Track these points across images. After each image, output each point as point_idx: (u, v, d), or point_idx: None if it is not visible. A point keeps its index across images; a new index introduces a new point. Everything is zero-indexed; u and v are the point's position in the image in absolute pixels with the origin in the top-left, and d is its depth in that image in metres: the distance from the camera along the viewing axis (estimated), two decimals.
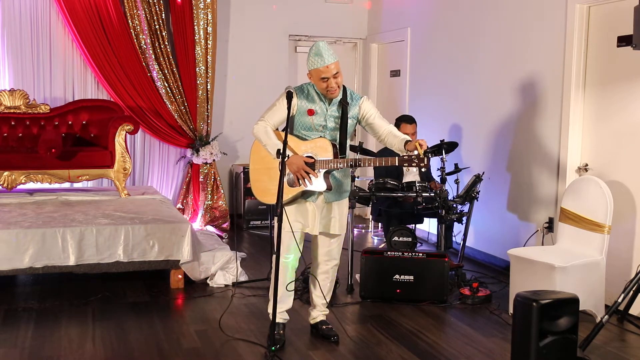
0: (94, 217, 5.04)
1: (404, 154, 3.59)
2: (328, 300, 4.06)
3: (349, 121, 3.80)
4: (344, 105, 3.75)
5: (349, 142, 3.87)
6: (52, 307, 4.50)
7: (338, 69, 3.66)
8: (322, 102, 3.77)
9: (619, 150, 4.58)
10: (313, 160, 3.66)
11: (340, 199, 3.89)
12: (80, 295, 4.73)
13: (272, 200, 3.71)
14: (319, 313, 4.05)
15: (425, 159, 3.50)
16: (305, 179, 3.65)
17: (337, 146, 3.74)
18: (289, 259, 3.81)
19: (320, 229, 3.84)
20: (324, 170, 3.69)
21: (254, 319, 4.32)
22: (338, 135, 3.78)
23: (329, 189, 3.73)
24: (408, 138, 3.68)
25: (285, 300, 3.91)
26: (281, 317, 3.93)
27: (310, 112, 3.74)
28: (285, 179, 3.67)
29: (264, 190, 3.84)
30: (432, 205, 5.10)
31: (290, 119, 3.71)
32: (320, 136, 3.75)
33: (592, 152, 4.83)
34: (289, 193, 3.73)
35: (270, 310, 3.87)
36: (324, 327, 4.01)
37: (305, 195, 3.77)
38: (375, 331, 4.13)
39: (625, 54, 4.43)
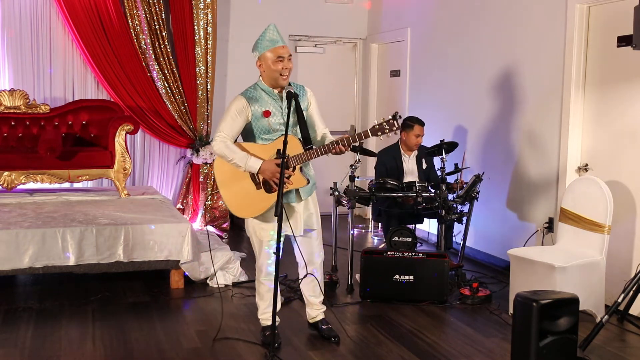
0: (94, 217, 5.04)
1: (376, 124, 3.56)
2: (323, 296, 4.04)
3: (304, 112, 3.74)
4: (295, 97, 3.67)
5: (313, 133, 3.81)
6: (52, 307, 4.50)
7: (290, 53, 3.69)
8: (274, 100, 3.71)
9: (619, 150, 4.58)
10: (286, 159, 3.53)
11: (312, 192, 3.87)
12: (80, 295, 4.74)
13: (252, 213, 3.69)
14: (318, 312, 4.04)
15: (395, 122, 3.51)
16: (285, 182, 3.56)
17: (302, 139, 3.66)
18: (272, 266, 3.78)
19: (303, 227, 3.80)
20: (299, 165, 3.64)
21: (254, 319, 4.31)
22: (299, 130, 3.69)
23: (308, 182, 3.71)
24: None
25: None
26: (269, 320, 3.88)
27: (267, 114, 3.67)
28: (260, 188, 3.65)
29: (242, 206, 3.74)
30: (432, 205, 5.10)
31: (245, 128, 3.67)
32: (281, 135, 3.64)
33: (592, 152, 4.83)
34: (270, 199, 3.64)
35: (260, 316, 3.93)
36: (324, 327, 4.01)
37: (285, 198, 3.67)
38: (375, 331, 4.13)
39: (625, 54, 4.43)
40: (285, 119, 3.63)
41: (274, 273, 3.48)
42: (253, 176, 3.71)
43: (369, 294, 4.73)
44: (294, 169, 3.63)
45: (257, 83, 3.78)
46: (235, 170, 3.67)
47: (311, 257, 3.93)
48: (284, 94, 3.68)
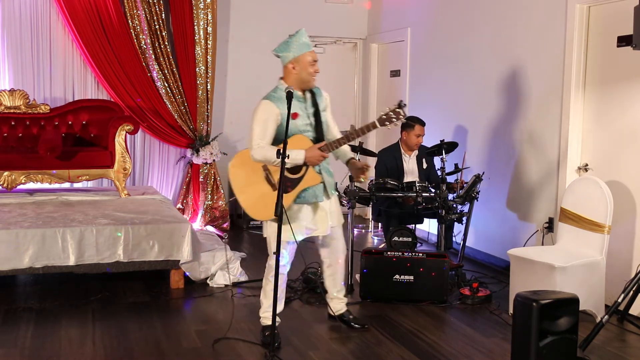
0: (94, 217, 5.03)
1: (382, 114, 3.66)
2: (345, 289, 4.23)
3: (322, 113, 3.86)
4: (314, 99, 3.81)
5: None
6: (52, 307, 4.50)
7: None
8: (299, 102, 3.79)
9: (619, 150, 4.58)
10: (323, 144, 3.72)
11: (335, 190, 4.00)
12: (80, 295, 4.73)
13: (271, 215, 3.68)
14: (342, 304, 4.17)
15: (401, 110, 3.59)
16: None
17: (316, 139, 3.79)
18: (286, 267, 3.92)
19: (331, 226, 3.92)
20: (312, 165, 3.78)
21: (254, 318, 4.32)
22: (315, 129, 3.81)
23: (321, 181, 3.82)
24: (353, 156, 3.95)
25: (282, 301, 4.02)
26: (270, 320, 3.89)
27: (295, 116, 3.73)
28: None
29: (260, 209, 3.80)
30: (432, 205, 5.10)
31: (274, 132, 3.74)
32: (297, 134, 3.75)
33: (592, 152, 4.83)
34: (287, 199, 3.70)
35: (262, 314, 3.96)
36: (352, 316, 4.16)
37: (310, 198, 3.80)
38: (375, 331, 4.13)
39: (625, 54, 4.43)
40: (309, 119, 3.80)
41: (285, 274, 3.73)
42: (268, 179, 3.79)
43: (369, 294, 4.72)
44: (307, 167, 3.74)
45: (279, 87, 3.83)
46: (250, 175, 3.74)
47: (337, 253, 4.06)
48: (308, 95, 3.81)
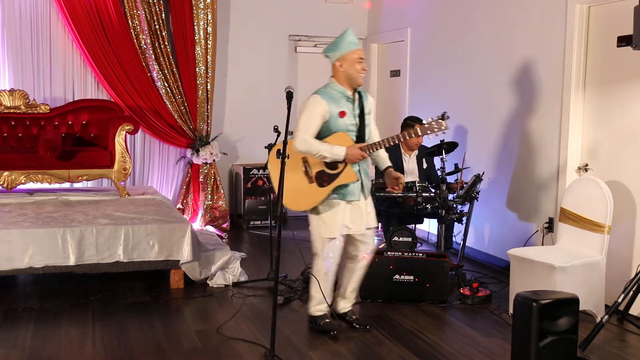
0: (94, 217, 5.04)
1: (425, 123, 3.81)
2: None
3: (367, 116, 3.98)
4: (361, 100, 3.93)
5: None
6: (52, 307, 4.50)
7: None
8: (347, 101, 3.89)
9: (619, 150, 4.58)
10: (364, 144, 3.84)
11: (370, 193, 4.10)
12: (80, 295, 4.73)
13: (306, 206, 3.92)
14: (348, 305, 4.21)
15: (444, 122, 3.73)
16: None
17: (357, 137, 3.91)
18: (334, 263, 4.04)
19: (366, 226, 4.01)
20: (350, 163, 3.87)
21: (254, 318, 4.32)
22: (358, 129, 3.93)
23: (357, 179, 3.91)
24: (390, 164, 4.08)
25: (331, 295, 4.14)
26: (327, 310, 4.09)
27: (343, 114, 3.86)
28: (313, 182, 3.87)
29: (296, 200, 3.93)
30: (432, 205, 5.10)
31: (319, 126, 3.83)
32: (337, 132, 3.86)
33: (592, 152, 4.83)
34: (321, 193, 3.85)
35: (312, 307, 4.08)
36: (355, 317, 4.19)
37: (347, 195, 3.89)
38: (375, 331, 4.13)
39: (625, 54, 4.43)
40: (355, 119, 3.90)
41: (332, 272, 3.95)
42: (306, 171, 3.91)
43: (369, 294, 4.72)
44: (345, 164, 3.84)
45: (330, 84, 3.94)
46: (288, 168, 3.80)
47: (367, 253, 4.12)
48: (356, 96, 3.92)
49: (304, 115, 3.83)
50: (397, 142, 3.86)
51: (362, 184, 3.95)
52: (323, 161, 3.86)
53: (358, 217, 3.97)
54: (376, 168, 4.34)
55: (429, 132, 3.77)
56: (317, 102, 3.83)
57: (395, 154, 5.69)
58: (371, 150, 3.84)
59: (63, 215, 5.06)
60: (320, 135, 3.86)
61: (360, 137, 3.92)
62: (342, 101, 3.87)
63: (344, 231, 3.96)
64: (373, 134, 4.07)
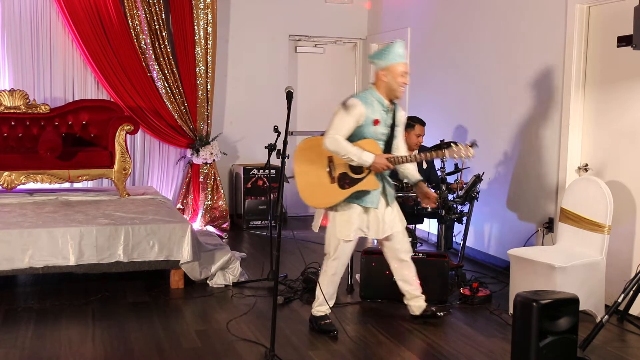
0: (94, 217, 5.04)
1: (454, 147, 3.83)
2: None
3: (397, 128, 4.01)
4: (395, 112, 3.97)
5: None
6: (52, 307, 4.50)
7: None
8: (383, 111, 3.91)
9: (619, 150, 4.58)
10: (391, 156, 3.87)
11: (394, 200, 4.12)
12: (80, 295, 4.73)
13: (322, 204, 3.96)
14: (422, 302, 4.24)
15: (470, 150, 3.76)
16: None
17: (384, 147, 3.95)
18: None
19: (388, 231, 4.03)
20: (374, 171, 3.89)
21: (254, 318, 4.32)
22: (386, 139, 3.97)
23: (380, 187, 3.94)
24: (421, 178, 4.06)
25: (334, 297, 4.19)
26: (329, 311, 4.13)
27: (376, 122, 3.88)
28: (335, 183, 3.89)
29: (314, 196, 3.97)
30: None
31: (351, 129, 3.84)
32: (364, 139, 3.89)
33: (592, 152, 4.83)
34: (340, 195, 3.89)
35: (315, 307, 4.11)
36: (434, 308, 4.26)
37: (366, 201, 3.92)
38: (375, 331, 4.13)
39: (625, 54, 4.43)
40: (387, 129, 3.94)
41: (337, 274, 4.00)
42: (330, 170, 3.94)
43: (369, 293, 4.72)
44: (369, 171, 3.87)
45: (370, 91, 3.96)
46: (313, 163, 3.89)
47: (401, 254, 4.14)
48: (392, 106, 3.95)
49: (339, 115, 3.84)
50: (421, 160, 3.91)
51: (384, 191, 3.99)
52: (348, 164, 3.87)
53: (374, 222, 3.99)
54: (405, 183, 4.40)
55: (455, 155, 3.80)
56: (355, 105, 3.84)
57: None
58: (396, 163, 3.87)
59: (63, 215, 5.06)
60: (350, 138, 3.86)
61: (387, 147, 3.96)
62: (378, 109, 3.89)
63: (359, 234, 4.00)
64: (400, 147, 4.08)
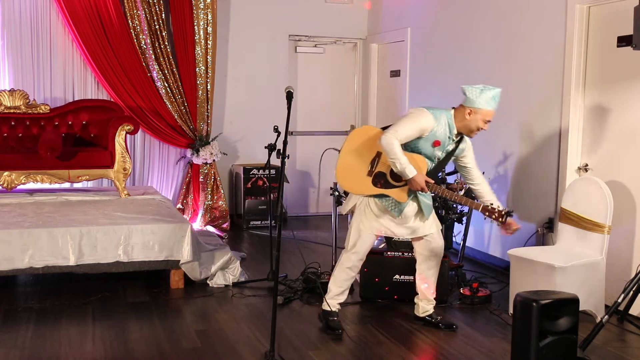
0: (94, 217, 5.04)
1: (490, 206, 3.78)
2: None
3: (452, 158, 3.98)
4: (458, 143, 3.92)
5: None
6: (52, 307, 4.50)
7: None
8: (448, 138, 3.87)
9: (619, 150, 4.58)
10: (433, 183, 3.81)
11: (430, 212, 4.10)
12: (80, 295, 4.73)
13: (350, 189, 4.00)
14: (429, 306, 4.23)
15: (503, 218, 3.71)
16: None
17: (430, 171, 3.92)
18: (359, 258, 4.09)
19: (420, 233, 4.05)
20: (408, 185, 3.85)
21: (254, 318, 4.32)
22: (436, 164, 3.95)
23: (404, 202, 3.91)
24: (502, 208, 3.80)
25: (345, 293, 4.18)
26: (338, 308, 4.16)
27: (437, 144, 3.85)
28: (371, 176, 3.90)
29: (347, 178, 3.98)
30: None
31: (411, 137, 3.82)
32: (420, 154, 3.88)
33: (592, 152, 4.83)
34: (368, 189, 3.91)
35: (328, 299, 4.13)
36: (440, 317, 4.21)
37: (393, 210, 3.92)
38: (375, 331, 4.13)
39: (625, 54, 4.43)
40: (442, 154, 3.92)
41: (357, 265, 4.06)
42: (373, 163, 3.93)
43: (369, 293, 4.72)
44: (405, 184, 3.84)
45: (447, 113, 3.91)
46: (363, 149, 3.88)
47: (428, 254, 4.13)
48: (457, 137, 3.91)
49: (407, 120, 3.80)
50: (457, 200, 3.89)
51: (419, 207, 3.98)
52: (391, 167, 3.85)
53: (396, 225, 4.00)
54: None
55: (486, 214, 3.76)
56: (427, 118, 3.80)
57: None
58: (432, 190, 3.83)
59: (63, 215, 5.06)
60: (405, 146, 3.84)
61: (434, 172, 3.93)
62: (444, 134, 3.85)
63: (382, 231, 4.02)
64: (471, 175, 4.03)
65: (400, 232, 4.05)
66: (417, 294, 4.28)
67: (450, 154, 3.94)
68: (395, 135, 3.73)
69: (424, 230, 4.07)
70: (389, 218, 3.98)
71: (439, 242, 4.15)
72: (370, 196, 3.96)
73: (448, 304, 4.64)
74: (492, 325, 4.27)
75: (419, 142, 3.84)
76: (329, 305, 4.12)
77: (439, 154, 3.91)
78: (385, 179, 3.92)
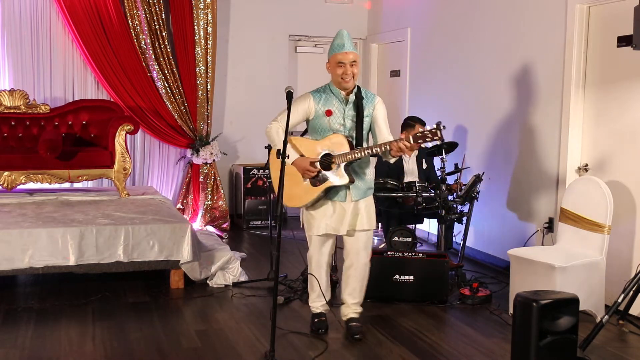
0: (94, 217, 5.04)
1: (418, 132, 3.58)
2: (361, 298, 4.14)
3: (365, 119, 3.89)
4: (359, 102, 3.84)
5: (365, 141, 3.94)
6: (52, 307, 4.50)
7: (356, 59, 3.80)
8: (340, 102, 3.85)
9: (619, 150, 4.58)
10: (331, 156, 3.77)
11: (365, 196, 3.97)
12: (80, 295, 4.73)
13: (298, 203, 3.92)
14: (350, 311, 4.13)
15: (438, 132, 3.50)
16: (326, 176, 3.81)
17: (353, 140, 3.83)
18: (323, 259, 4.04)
19: (347, 228, 3.93)
20: (344, 163, 3.77)
21: (254, 318, 4.32)
22: (354, 133, 3.86)
23: (351, 181, 3.81)
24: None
25: (322, 296, 4.11)
26: (324, 308, 4.15)
27: (328, 113, 3.83)
28: (307, 181, 3.86)
29: (290, 196, 3.93)
30: (432, 205, 5.10)
31: (309, 124, 3.86)
32: (332, 133, 3.84)
33: (592, 152, 4.83)
34: (313, 192, 3.84)
35: (310, 303, 4.14)
36: (352, 324, 4.06)
37: (332, 196, 3.87)
38: (375, 331, 4.13)
39: (625, 54, 4.43)
40: (345, 120, 3.84)
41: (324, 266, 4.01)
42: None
43: (369, 294, 4.72)
44: (339, 166, 3.76)
45: (328, 84, 3.94)
46: (288, 165, 3.83)
47: (355, 256, 4.03)
48: (351, 98, 3.85)
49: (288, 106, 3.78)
50: (370, 154, 3.72)
51: (348, 186, 3.87)
52: (316, 163, 3.82)
53: (339, 218, 3.90)
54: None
55: (420, 140, 3.56)
56: (303, 98, 3.87)
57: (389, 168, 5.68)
58: (337, 162, 3.73)
59: (63, 215, 5.06)
60: (313, 134, 3.91)
61: (356, 139, 3.85)
62: (334, 102, 3.84)
63: (329, 230, 3.92)
64: (380, 137, 3.91)
65: (337, 226, 3.90)
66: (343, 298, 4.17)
67: (359, 116, 3.82)
68: (275, 123, 3.82)
69: (361, 224, 3.93)
70: (328, 214, 3.89)
71: (361, 246, 3.99)
72: (317, 198, 3.86)
73: (448, 304, 4.64)
74: (492, 325, 4.27)
75: (315, 123, 3.85)
76: (311, 308, 4.16)
77: (341, 121, 3.82)
78: (318, 174, 3.83)
